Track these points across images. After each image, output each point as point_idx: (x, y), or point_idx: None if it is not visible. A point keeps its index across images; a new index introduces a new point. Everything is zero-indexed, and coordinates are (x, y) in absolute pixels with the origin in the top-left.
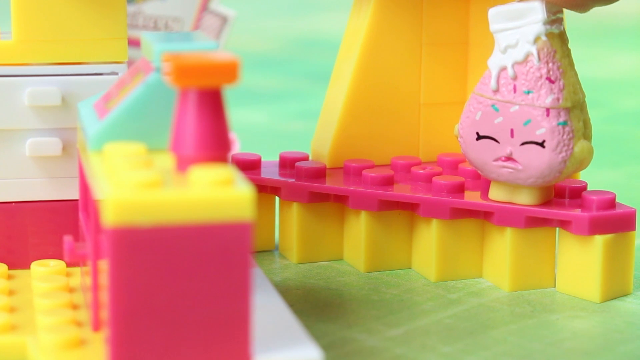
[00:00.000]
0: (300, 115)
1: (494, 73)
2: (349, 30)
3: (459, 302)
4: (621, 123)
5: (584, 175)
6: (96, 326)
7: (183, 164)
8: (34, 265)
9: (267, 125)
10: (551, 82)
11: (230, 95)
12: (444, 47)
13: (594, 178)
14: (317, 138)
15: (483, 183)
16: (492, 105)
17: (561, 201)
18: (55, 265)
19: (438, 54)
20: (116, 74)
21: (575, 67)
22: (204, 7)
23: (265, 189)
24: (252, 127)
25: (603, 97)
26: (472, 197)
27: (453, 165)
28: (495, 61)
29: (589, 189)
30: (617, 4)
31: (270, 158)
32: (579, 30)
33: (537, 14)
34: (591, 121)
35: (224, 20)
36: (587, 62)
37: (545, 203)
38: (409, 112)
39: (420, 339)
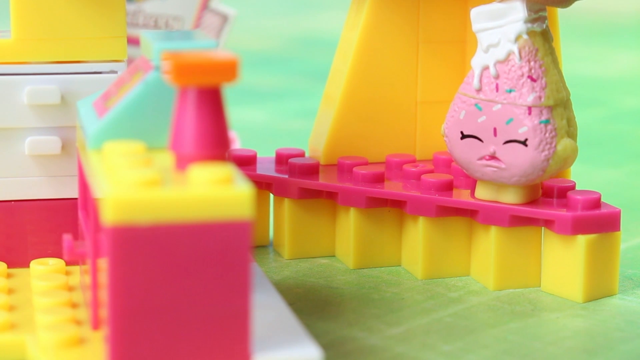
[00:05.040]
0: (300, 113)
1: (476, 72)
2: (346, 28)
3: (460, 300)
4: (622, 122)
5: (583, 174)
6: (95, 325)
7: (182, 163)
8: (33, 263)
9: (267, 123)
10: (533, 80)
11: (230, 93)
12: (441, 44)
13: (594, 177)
14: (314, 135)
15: (474, 181)
16: (476, 105)
17: (548, 200)
18: (54, 263)
19: (435, 51)
20: (115, 72)
21: (576, 66)
22: (205, 6)
23: (260, 185)
24: (252, 125)
25: (604, 96)
26: (459, 195)
27: (447, 163)
28: (477, 60)
29: (589, 188)
30: (617, 3)
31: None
32: (580, 29)
33: (518, 12)
34: (592, 120)
35: (224, 19)
36: (587, 61)
37: (531, 202)
38: (405, 110)
39: (421, 338)
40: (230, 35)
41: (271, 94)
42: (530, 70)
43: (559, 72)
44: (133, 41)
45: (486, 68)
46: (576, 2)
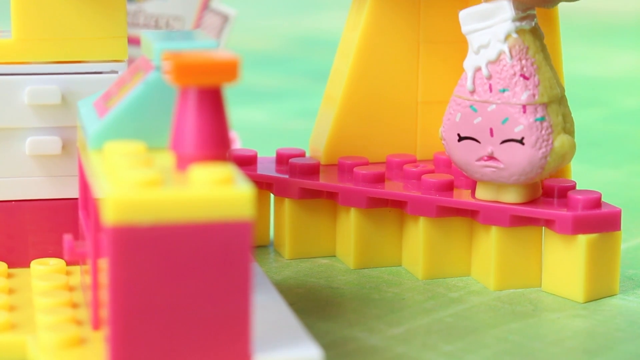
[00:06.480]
0: (301, 113)
1: (469, 74)
2: (347, 28)
3: (460, 300)
4: (622, 122)
5: (583, 174)
6: (96, 325)
7: (183, 163)
8: (34, 263)
9: (267, 123)
10: (525, 78)
11: (230, 93)
12: (442, 44)
13: (594, 177)
14: (314, 135)
15: (474, 182)
16: (471, 106)
17: (548, 200)
18: (55, 263)
19: (436, 51)
20: (116, 72)
21: (576, 66)
22: (205, 6)
23: (260, 185)
24: (253, 125)
25: (604, 96)
26: (460, 196)
27: (448, 163)
28: (469, 62)
29: (590, 188)
30: (617, 3)
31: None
32: (580, 29)
33: (506, 12)
34: (592, 121)
35: (224, 19)
36: (587, 61)
37: (532, 202)
38: (406, 110)
39: (422, 338)
40: (231, 35)
41: (271, 94)
42: (522, 68)
43: (552, 69)
44: (134, 41)
45: (478, 69)
46: (576, 3)
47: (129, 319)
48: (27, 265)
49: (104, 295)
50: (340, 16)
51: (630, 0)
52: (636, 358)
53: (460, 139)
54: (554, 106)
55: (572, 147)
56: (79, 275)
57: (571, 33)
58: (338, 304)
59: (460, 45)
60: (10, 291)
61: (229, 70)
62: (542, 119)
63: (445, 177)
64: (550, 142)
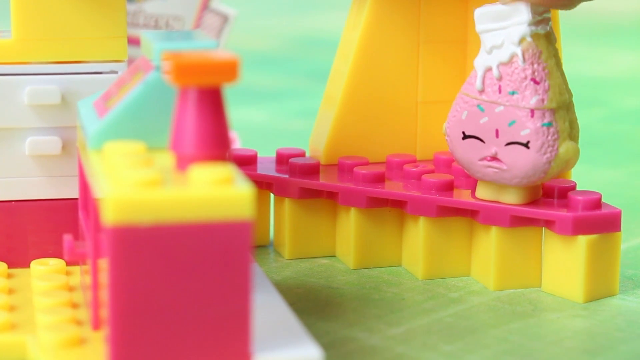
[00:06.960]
0: (301, 113)
1: (479, 73)
2: (347, 28)
3: (460, 300)
4: (622, 122)
5: (584, 174)
6: (96, 325)
7: (183, 163)
8: (34, 263)
9: (267, 123)
10: (536, 83)
11: (230, 93)
12: (442, 44)
13: (594, 177)
14: (314, 135)
15: (474, 181)
16: (478, 105)
17: (549, 201)
18: (54, 263)
19: (436, 51)
20: (116, 72)
21: (577, 66)
22: (205, 6)
23: (260, 185)
24: (253, 125)
25: (604, 96)
26: (460, 196)
27: (448, 163)
28: (480, 61)
29: (589, 188)
30: (617, 3)
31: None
32: (580, 29)
33: (522, 15)
34: (592, 120)
35: (224, 19)
36: (588, 61)
37: (532, 202)
38: (406, 110)
39: (421, 338)
40: (231, 35)
41: (271, 94)
42: (533, 72)
43: (562, 75)
44: (133, 41)
45: (489, 69)
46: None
47: (129, 319)
48: (27, 265)
49: (104, 295)
50: (340, 16)
51: (630, 0)
52: (636, 358)
53: (465, 137)
54: (562, 112)
55: (576, 154)
56: (79, 276)
57: (571, 33)
58: (338, 304)
59: (460, 45)
60: (10, 291)
61: (229, 70)
62: (549, 125)
63: (446, 177)
64: (555, 147)
